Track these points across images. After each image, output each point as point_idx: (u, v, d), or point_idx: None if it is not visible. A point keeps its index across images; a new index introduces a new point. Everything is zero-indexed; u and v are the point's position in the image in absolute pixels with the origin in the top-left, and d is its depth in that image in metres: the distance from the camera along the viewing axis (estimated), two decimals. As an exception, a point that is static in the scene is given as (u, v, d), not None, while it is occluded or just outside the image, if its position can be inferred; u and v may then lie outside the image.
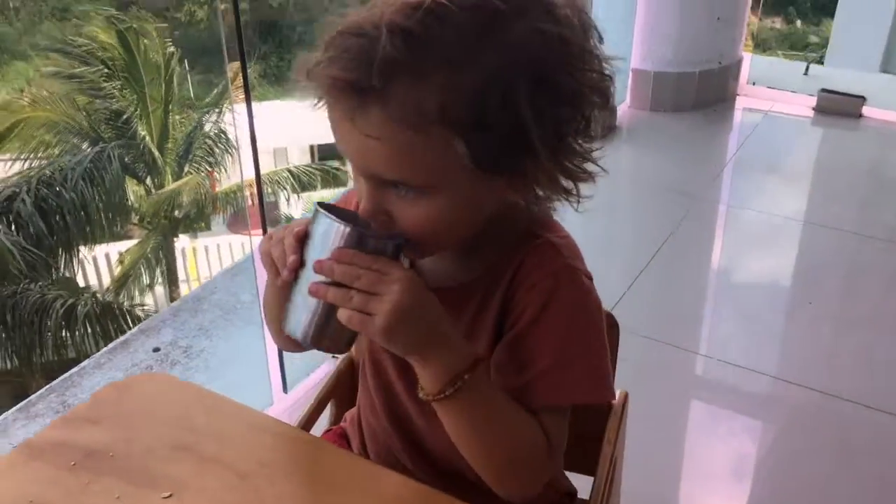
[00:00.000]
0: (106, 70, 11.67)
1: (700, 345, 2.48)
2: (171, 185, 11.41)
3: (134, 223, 12.01)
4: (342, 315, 0.88)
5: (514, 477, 1.00)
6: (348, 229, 0.89)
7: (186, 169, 11.92)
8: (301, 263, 0.92)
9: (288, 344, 1.07)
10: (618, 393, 1.30)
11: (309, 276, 0.90)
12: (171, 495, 0.96)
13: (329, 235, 0.91)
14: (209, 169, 11.90)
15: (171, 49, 12.19)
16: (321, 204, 0.95)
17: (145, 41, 11.89)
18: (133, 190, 11.41)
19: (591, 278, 1.02)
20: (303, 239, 0.93)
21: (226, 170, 11.99)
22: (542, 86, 0.88)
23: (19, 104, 12.71)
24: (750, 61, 4.16)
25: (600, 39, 0.92)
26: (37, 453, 1.08)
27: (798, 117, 4.01)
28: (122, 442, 1.06)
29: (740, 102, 4.05)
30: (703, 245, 3.11)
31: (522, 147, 0.89)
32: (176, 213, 11.48)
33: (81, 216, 9.65)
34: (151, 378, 1.32)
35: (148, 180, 11.69)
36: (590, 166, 1.01)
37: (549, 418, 0.99)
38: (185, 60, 13.58)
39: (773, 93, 4.11)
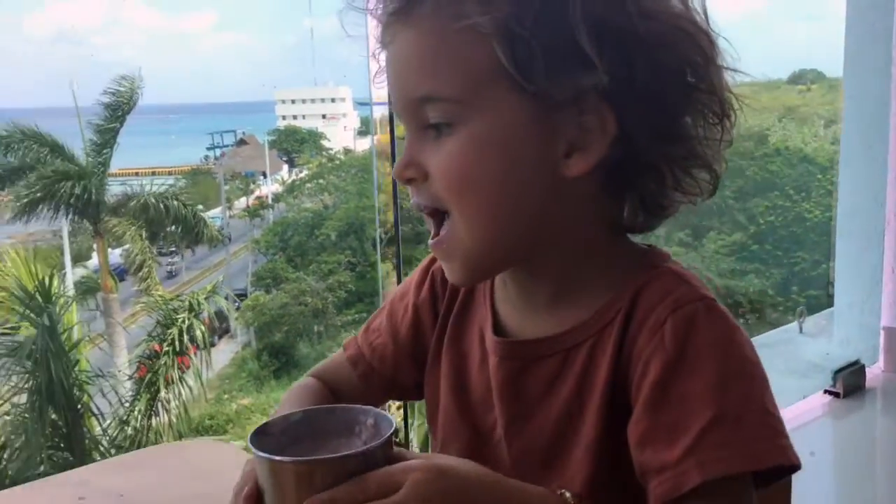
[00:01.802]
0: None
1: None
2: None
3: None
4: None
5: None
6: (307, 461, 0.66)
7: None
8: None
9: None
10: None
11: None
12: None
13: (285, 479, 0.67)
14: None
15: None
16: (262, 429, 0.72)
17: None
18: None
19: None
20: (255, 497, 0.71)
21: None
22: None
23: None
24: None
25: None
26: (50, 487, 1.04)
27: None
28: (146, 487, 1.00)
29: None
30: None
31: (578, 66, 0.76)
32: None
33: None
34: (206, 443, 1.26)
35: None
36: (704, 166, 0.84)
37: (723, 496, 0.75)
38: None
39: None
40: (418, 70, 0.82)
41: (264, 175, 31.04)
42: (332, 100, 36.20)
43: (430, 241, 0.86)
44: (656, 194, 0.86)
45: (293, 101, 37.64)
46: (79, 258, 21.36)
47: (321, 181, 25.11)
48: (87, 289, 18.98)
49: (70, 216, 17.37)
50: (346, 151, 28.83)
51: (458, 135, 0.81)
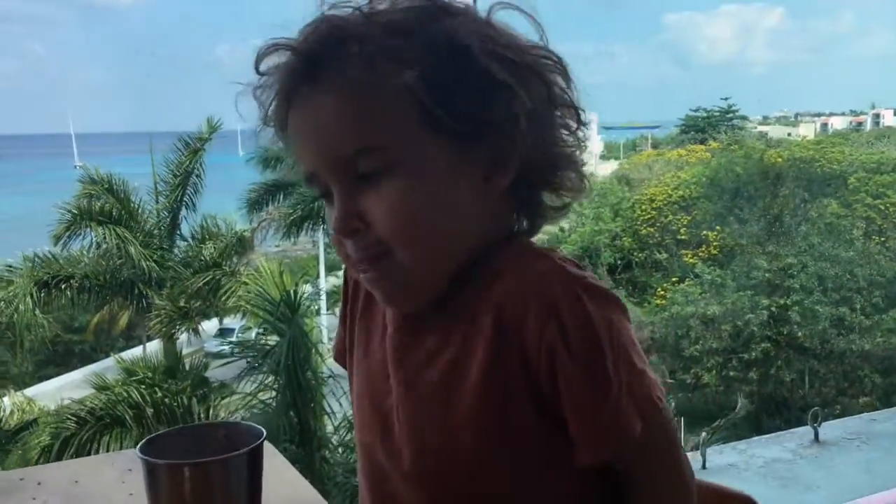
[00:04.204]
0: None
1: None
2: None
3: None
4: None
5: None
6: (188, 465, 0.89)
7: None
8: None
9: None
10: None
11: None
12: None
13: (159, 478, 0.88)
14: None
15: None
16: (153, 439, 0.94)
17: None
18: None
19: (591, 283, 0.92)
20: None
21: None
22: (492, 44, 0.90)
23: None
24: None
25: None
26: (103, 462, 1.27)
27: None
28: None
29: None
30: None
31: (486, 96, 0.88)
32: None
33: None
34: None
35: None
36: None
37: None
38: None
39: None
40: (347, 128, 0.90)
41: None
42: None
43: (363, 276, 0.97)
44: (534, 195, 0.99)
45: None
46: (333, 268, 22.99)
47: (560, 204, 25.04)
48: (337, 298, 20.38)
49: (323, 229, 18.72)
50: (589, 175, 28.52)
51: (393, 179, 0.90)
